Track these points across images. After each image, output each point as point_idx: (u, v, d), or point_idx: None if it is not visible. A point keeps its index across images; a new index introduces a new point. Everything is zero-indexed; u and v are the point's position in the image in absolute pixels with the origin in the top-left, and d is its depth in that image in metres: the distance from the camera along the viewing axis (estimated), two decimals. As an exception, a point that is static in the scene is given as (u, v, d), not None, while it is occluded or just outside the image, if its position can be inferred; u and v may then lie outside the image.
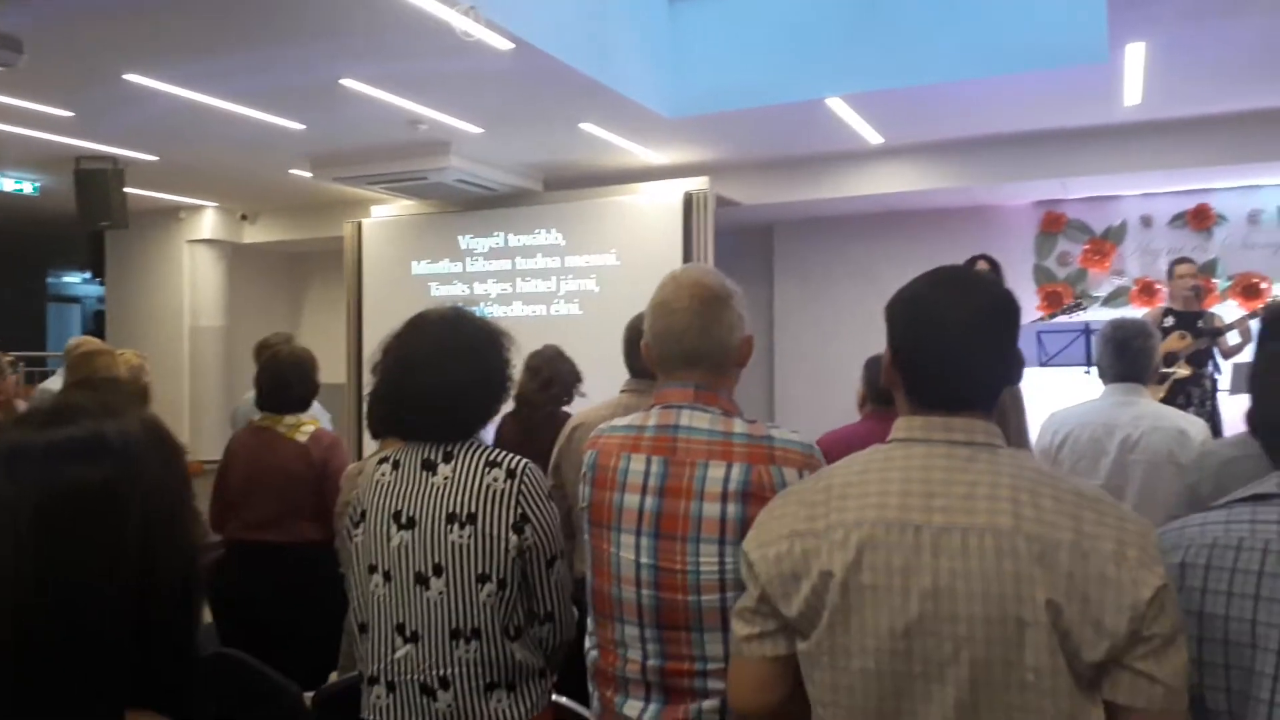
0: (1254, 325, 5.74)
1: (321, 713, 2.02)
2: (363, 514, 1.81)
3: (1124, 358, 2.87)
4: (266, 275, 10.47)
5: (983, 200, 7.87)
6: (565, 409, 3.54)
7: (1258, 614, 1.15)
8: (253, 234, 9.62)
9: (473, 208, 7.72)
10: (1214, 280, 7.15)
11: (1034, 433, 3.05)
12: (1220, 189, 7.26)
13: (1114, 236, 7.68)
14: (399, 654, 1.73)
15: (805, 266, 8.56)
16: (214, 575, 3.30)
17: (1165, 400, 4.89)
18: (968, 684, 1.10)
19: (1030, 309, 7.65)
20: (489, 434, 2.94)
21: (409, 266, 7.95)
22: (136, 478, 0.90)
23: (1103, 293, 7.64)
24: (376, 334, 7.13)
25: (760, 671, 1.26)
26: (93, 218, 7.01)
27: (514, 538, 1.70)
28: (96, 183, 6.87)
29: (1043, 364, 5.87)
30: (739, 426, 1.53)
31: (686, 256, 6.78)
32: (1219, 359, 5.72)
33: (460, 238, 7.75)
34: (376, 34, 4.50)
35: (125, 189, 7.03)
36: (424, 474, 1.75)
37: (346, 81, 5.18)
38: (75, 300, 14.96)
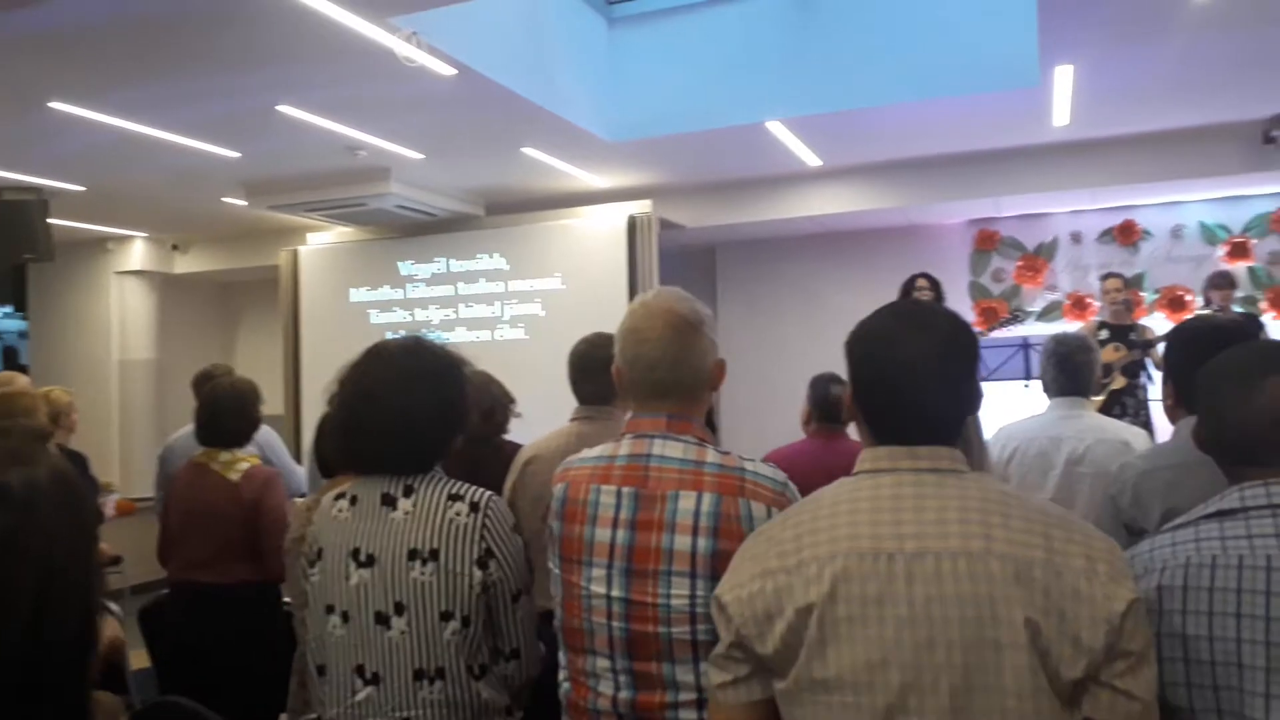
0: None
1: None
2: (319, 552, 1.74)
3: (1066, 372, 2.93)
4: (199, 306, 10.20)
5: (919, 220, 8.03)
6: (507, 437, 3.46)
7: (1241, 632, 1.16)
8: (184, 264, 9.37)
9: (413, 234, 7.62)
10: (1141, 293, 7.38)
11: (983, 448, 3.09)
12: (1145, 205, 7.50)
13: (1046, 253, 7.89)
14: (359, 697, 1.67)
15: (748, 287, 8.63)
16: (157, 615, 3.19)
17: (1102, 410, 5.02)
18: (949, 712, 1.09)
19: (968, 325, 7.80)
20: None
21: (347, 294, 7.81)
22: (37, 530, 0.90)
23: (1037, 308, 7.83)
24: (315, 364, 7.03)
25: (739, 718, 1.24)
26: (16, 251, 6.75)
27: (478, 573, 1.66)
28: (20, 214, 6.61)
29: (982, 379, 5.98)
30: (711, 456, 1.52)
31: (631, 279, 6.78)
32: (1151, 370, 5.89)
33: (400, 264, 7.65)
34: (315, 60, 4.43)
35: (50, 220, 6.79)
36: (383, 509, 1.70)
37: (284, 108, 5.09)
38: (-7, 335, 14.41)
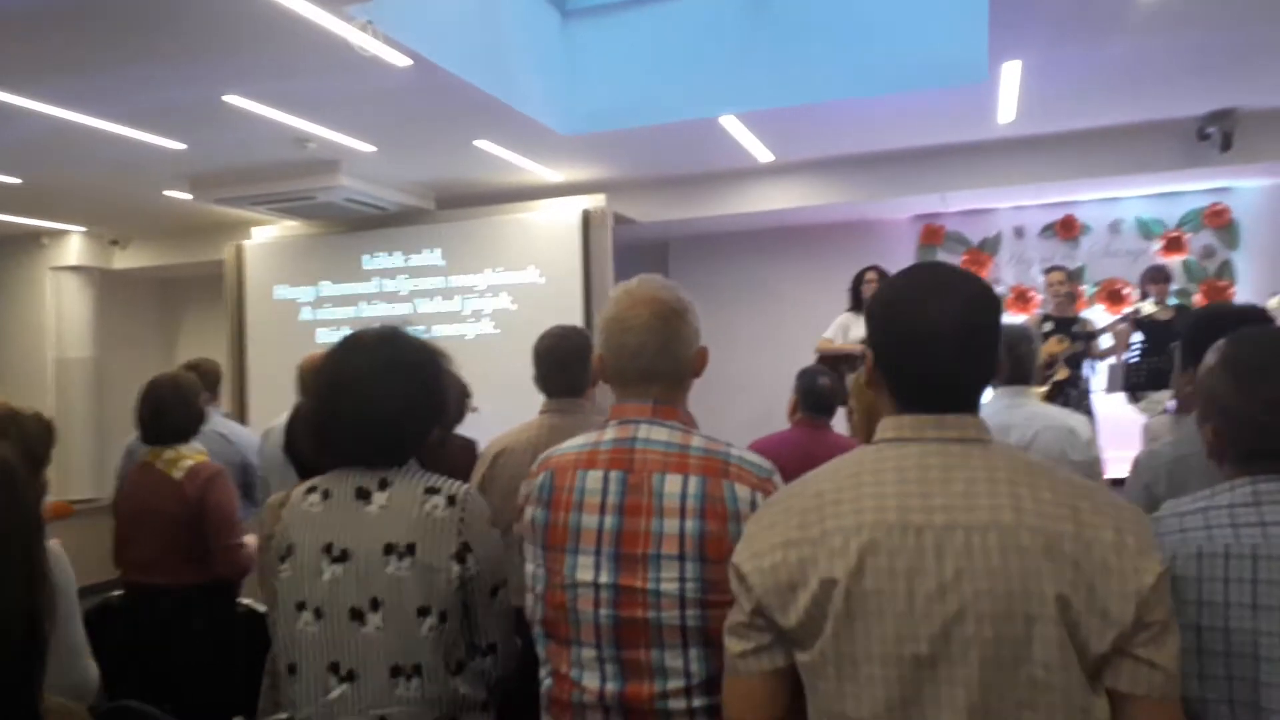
0: (1124, 328, 6.11)
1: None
2: (289, 548, 1.71)
3: (1010, 361, 2.98)
4: (140, 303, 9.94)
5: (868, 215, 8.14)
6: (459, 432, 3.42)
7: (1258, 623, 1.17)
8: (124, 259, 9.12)
9: (362, 228, 7.52)
10: (1082, 286, 7.56)
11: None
12: (1085, 201, 7.69)
13: (989, 247, 8.05)
14: (334, 695, 1.64)
15: (700, 282, 8.64)
16: (104, 618, 3.11)
17: (1047, 400, 5.14)
18: (978, 685, 1.09)
19: (915, 318, 7.93)
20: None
21: (294, 290, 7.67)
22: None
23: (981, 301, 7.98)
24: (261, 362, 6.94)
25: (758, 688, 1.23)
26: (-54, 245, 6.53)
27: (456, 567, 1.64)
28: (-51, 207, 6.41)
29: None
30: (697, 440, 1.52)
31: (586, 274, 6.77)
32: (1091, 362, 6.05)
33: (349, 258, 7.54)
34: (265, 49, 4.34)
35: (-18, 213, 6.58)
36: (357, 503, 1.67)
37: (231, 98, 4.98)
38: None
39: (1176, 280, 7.35)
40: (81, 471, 8.28)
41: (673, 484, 1.46)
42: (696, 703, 1.44)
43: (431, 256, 7.31)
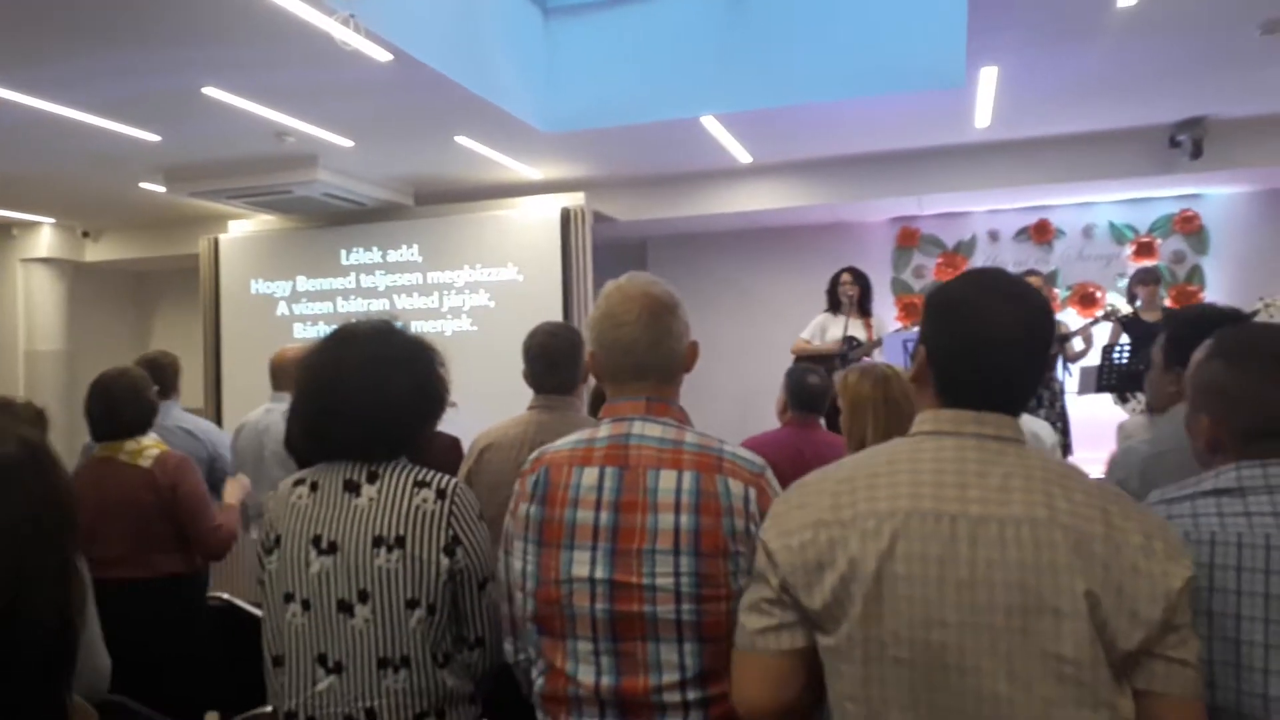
0: (1095, 332, 6.20)
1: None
2: (276, 539, 1.71)
3: None
4: (112, 296, 9.82)
5: (845, 217, 8.20)
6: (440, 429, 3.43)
7: (1241, 609, 1.21)
8: (96, 252, 9.01)
9: (340, 223, 7.48)
10: (1055, 290, 7.66)
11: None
12: (1058, 205, 7.80)
13: (964, 250, 8.14)
14: (321, 686, 1.65)
15: (679, 282, 8.41)
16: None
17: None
18: (1004, 676, 1.11)
19: (890, 320, 8.02)
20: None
21: (270, 285, 7.62)
22: (6, 505, 0.86)
23: (956, 304, 8.05)
24: (236, 357, 6.90)
25: (775, 666, 1.25)
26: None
27: (445, 560, 1.65)
28: (-82, 196, 6.30)
29: (906, 372, 6.15)
30: (690, 436, 1.54)
31: (565, 272, 6.78)
32: (1064, 364, 6.13)
33: (326, 254, 7.50)
34: (246, 41, 4.30)
35: (-49, 203, 6.47)
36: (346, 495, 1.68)
37: (210, 90, 4.94)
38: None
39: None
40: (51, 466, 8.17)
41: (667, 479, 1.47)
42: (691, 695, 1.44)
43: (409, 253, 7.28)
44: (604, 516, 1.48)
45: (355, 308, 7.36)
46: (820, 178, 7.40)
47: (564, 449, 1.58)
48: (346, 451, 1.70)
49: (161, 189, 6.93)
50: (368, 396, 1.67)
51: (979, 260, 8.08)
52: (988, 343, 1.23)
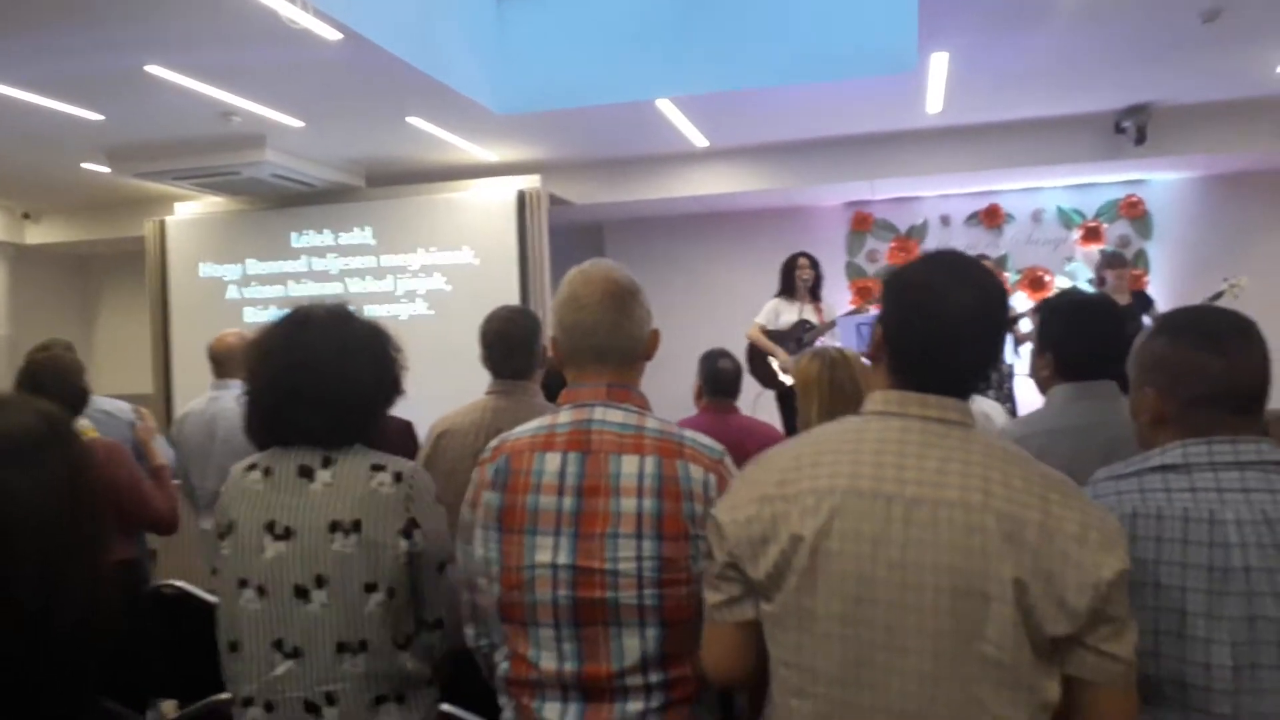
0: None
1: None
2: (230, 525, 1.69)
3: None
4: (55, 280, 9.57)
5: (799, 201, 8.26)
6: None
7: (1186, 581, 1.25)
8: (38, 234, 8.76)
9: (289, 204, 7.35)
10: (1006, 273, 7.79)
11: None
12: (1008, 190, 7.93)
13: (917, 234, 8.24)
14: (279, 671, 1.64)
15: (635, 265, 8.44)
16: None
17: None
18: (930, 655, 1.13)
19: (844, 304, 8.10)
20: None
21: (219, 268, 7.47)
22: (35, 486, 0.78)
23: (908, 287, 8.16)
24: (185, 341, 6.73)
25: (731, 637, 1.29)
26: None
27: (403, 543, 1.64)
28: None
29: (862, 353, 6.22)
30: (651, 422, 1.55)
31: (522, 255, 6.74)
32: (1014, 346, 6.24)
33: (276, 236, 7.36)
34: (190, 18, 4.20)
35: (-118, 184, 6.26)
36: (300, 481, 1.66)
37: (153, 68, 4.81)
38: None
39: (1093, 269, 7.64)
40: (-9, 454, 7.97)
41: (629, 464, 1.48)
42: (653, 678, 1.46)
43: (362, 235, 7.18)
44: (567, 502, 1.49)
45: (307, 291, 7.24)
46: (775, 162, 7.44)
47: (524, 436, 1.58)
48: (308, 437, 1.69)
49: (105, 169, 6.76)
50: (332, 382, 1.66)
51: (931, 244, 8.18)
52: (942, 325, 1.25)
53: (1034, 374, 2.20)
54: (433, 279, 7.02)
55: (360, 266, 7.19)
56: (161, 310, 7.51)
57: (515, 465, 1.54)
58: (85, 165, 6.83)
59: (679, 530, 1.45)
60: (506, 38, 5.80)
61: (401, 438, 3.18)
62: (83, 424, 3.02)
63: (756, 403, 5.64)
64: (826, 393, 2.39)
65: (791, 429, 4.71)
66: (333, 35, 4.35)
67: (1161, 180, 7.68)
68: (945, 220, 8.16)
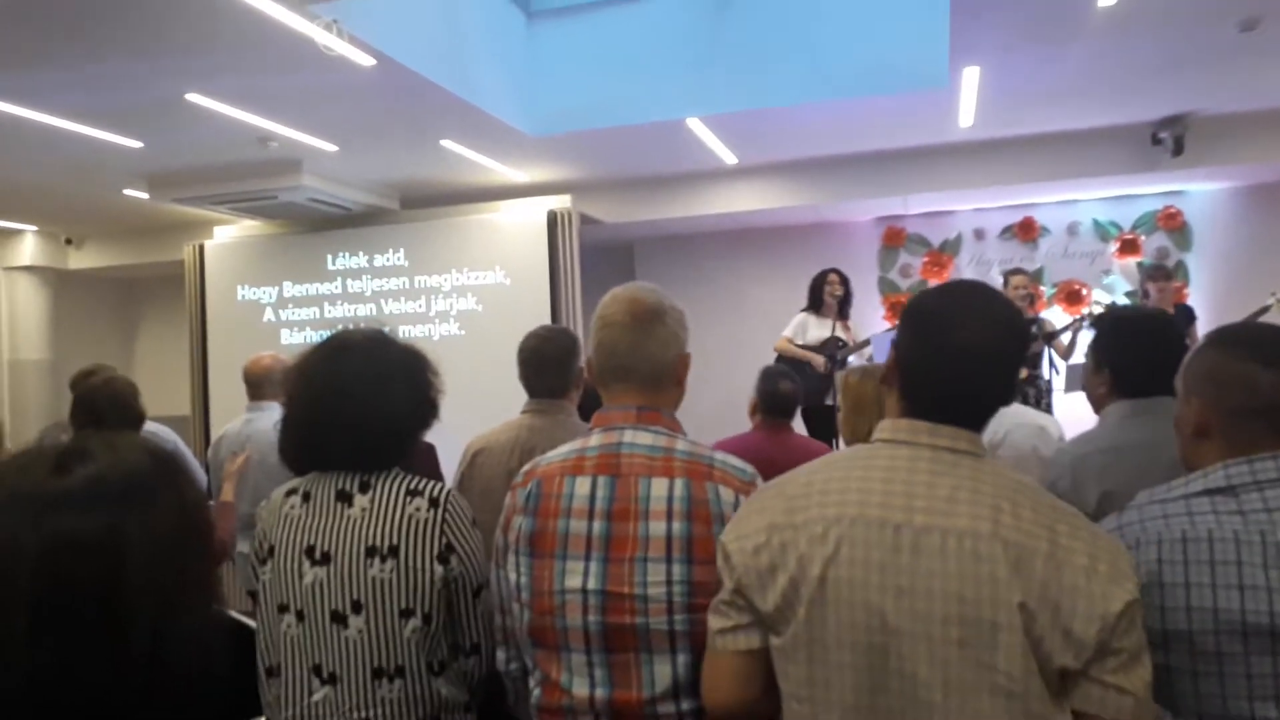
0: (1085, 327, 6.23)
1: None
2: (270, 550, 1.71)
3: None
4: (96, 303, 9.76)
5: (830, 217, 8.22)
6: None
7: (1245, 603, 1.21)
8: (80, 259, 8.95)
9: (325, 228, 7.44)
10: (1041, 287, 7.70)
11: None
12: (1043, 203, 7.84)
13: (950, 249, 8.17)
14: (316, 697, 1.64)
15: (666, 282, 8.47)
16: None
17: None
18: (940, 685, 1.12)
19: (877, 319, 8.05)
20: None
21: (256, 291, 7.58)
22: (144, 530, 0.77)
23: (943, 302, 8.09)
24: (222, 363, 6.82)
25: (735, 666, 1.27)
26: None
27: (439, 569, 1.65)
28: (-102, 205, 6.24)
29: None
30: (681, 444, 1.54)
31: (553, 275, 6.77)
32: (1054, 361, 6.16)
33: (312, 259, 7.46)
34: (230, 48, 4.28)
35: (-68, 212, 6.42)
36: (339, 505, 1.67)
37: (192, 97, 4.91)
38: None
39: (1131, 281, 7.54)
40: (35, 476, 8.11)
41: (659, 487, 1.48)
42: (685, 706, 1.45)
43: (396, 257, 7.26)
44: (597, 526, 1.49)
45: (342, 313, 7.32)
46: (805, 178, 7.42)
47: (555, 460, 1.58)
48: (342, 461, 1.70)
49: (145, 195, 6.89)
50: (368, 408, 1.68)
51: (965, 258, 8.13)
52: (953, 358, 1.24)
53: (1089, 391, 2.16)
54: (465, 300, 7.07)
55: (394, 288, 7.26)
56: (200, 333, 7.63)
57: (546, 489, 1.54)
58: (126, 191, 6.97)
59: (710, 554, 1.43)
60: (537, 59, 5.85)
61: (424, 458, 3.20)
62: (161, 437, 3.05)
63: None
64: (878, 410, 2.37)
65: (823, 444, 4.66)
66: (367, 61, 4.41)
67: (1200, 191, 7.56)
68: (979, 234, 8.09)
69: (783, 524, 1.23)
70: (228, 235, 7.74)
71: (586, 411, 2.33)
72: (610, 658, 1.47)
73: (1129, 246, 7.67)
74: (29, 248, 8.63)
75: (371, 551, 1.63)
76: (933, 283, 8.15)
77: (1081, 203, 7.78)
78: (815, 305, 6.36)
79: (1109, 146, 6.75)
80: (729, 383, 7.99)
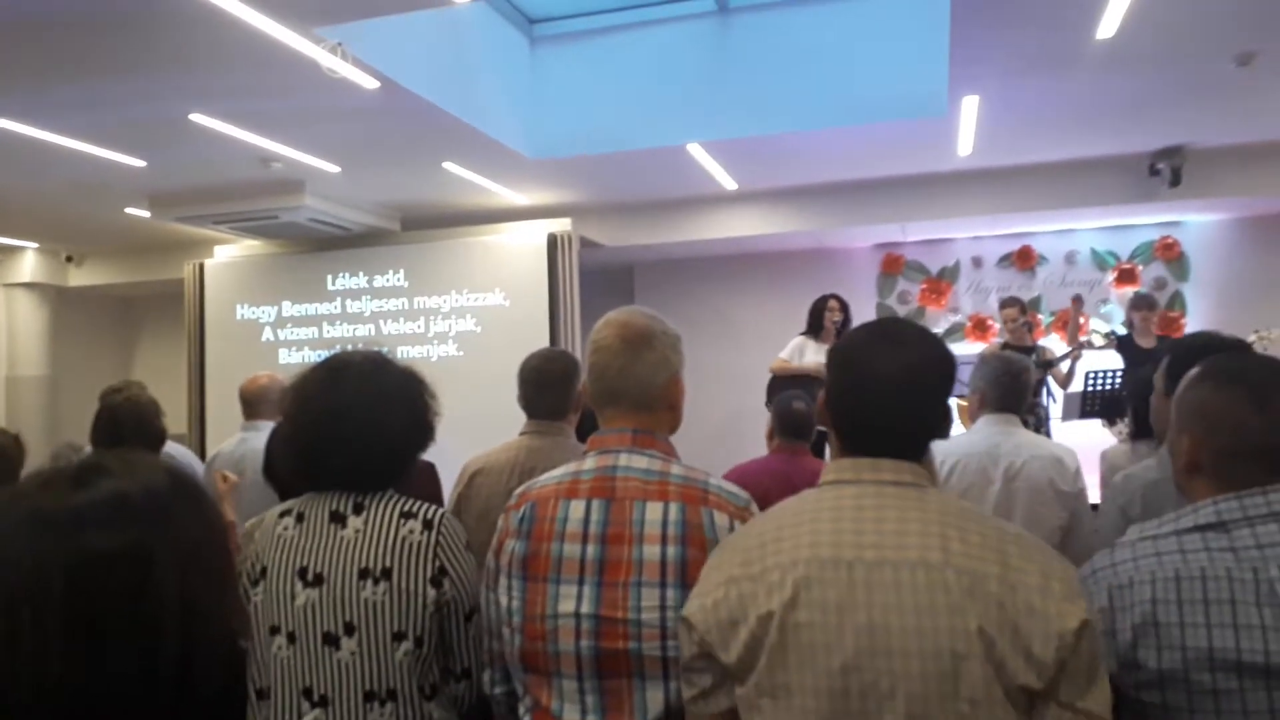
0: (1085, 356, 6.24)
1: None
2: (262, 571, 1.70)
3: (1011, 389, 3.01)
4: (96, 320, 9.77)
5: (829, 243, 8.26)
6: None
7: (1240, 642, 1.20)
8: (80, 277, 8.97)
9: (326, 248, 7.46)
10: (1039, 315, 7.72)
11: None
12: (1041, 232, 7.89)
13: (948, 276, 8.20)
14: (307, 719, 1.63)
15: (665, 306, 8.47)
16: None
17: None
18: (905, 718, 1.11)
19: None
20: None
21: (255, 310, 7.59)
22: (168, 546, 0.78)
23: (940, 329, 8.12)
24: (220, 382, 6.82)
25: None
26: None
27: (432, 592, 1.64)
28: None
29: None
30: (676, 469, 1.54)
31: (553, 297, 6.78)
32: (1052, 388, 6.17)
33: (312, 279, 7.47)
34: (234, 69, 4.32)
35: (-67, 228, 6.44)
36: (332, 527, 1.67)
37: (196, 117, 4.94)
38: None
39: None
40: (30, 493, 8.09)
41: (653, 511, 1.47)
42: None
43: (395, 278, 7.27)
44: (590, 550, 1.48)
45: (341, 333, 7.33)
46: (805, 204, 7.46)
47: (550, 483, 1.58)
48: (337, 482, 1.70)
49: (146, 214, 6.92)
50: (365, 428, 1.67)
51: (963, 285, 8.16)
52: (869, 392, 1.27)
53: (1158, 418, 2.12)
54: (464, 321, 7.08)
55: (393, 309, 7.27)
56: (198, 351, 7.62)
57: (540, 513, 1.54)
58: (128, 210, 7.00)
59: None
60: (539, 83, 5.89)
61: (425, 479, 3.19)
62: (184, 459, 3.04)
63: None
64: None
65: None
66: (371, 84, 4.44)
67: (1197, 222, 7.60)
68: (977, 262, 8.12)
69: (739, 576, 1.23)
70: (228, 254, 7.76)
71: (585, 434, 2.34)
72: (602, 684, 1.46)
73: (1127, 276, 7.71)
74: (29, 264, 8.65)
75: (364, 573, 1.63)
76: (930, 310, 8.18)
77: (1079, 232, 7.83)
78: (815, 330, 6.37)
79: (1107, 176, 6.80)
80: (726, 406, 8.02)
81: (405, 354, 7.50)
